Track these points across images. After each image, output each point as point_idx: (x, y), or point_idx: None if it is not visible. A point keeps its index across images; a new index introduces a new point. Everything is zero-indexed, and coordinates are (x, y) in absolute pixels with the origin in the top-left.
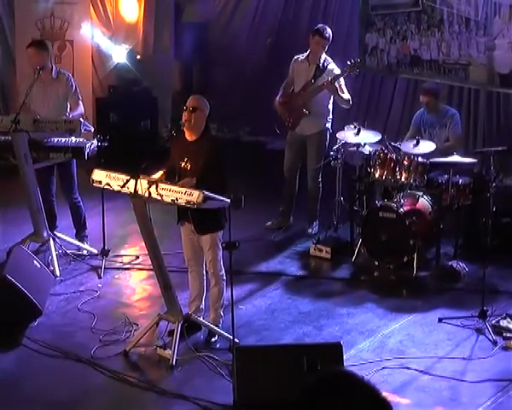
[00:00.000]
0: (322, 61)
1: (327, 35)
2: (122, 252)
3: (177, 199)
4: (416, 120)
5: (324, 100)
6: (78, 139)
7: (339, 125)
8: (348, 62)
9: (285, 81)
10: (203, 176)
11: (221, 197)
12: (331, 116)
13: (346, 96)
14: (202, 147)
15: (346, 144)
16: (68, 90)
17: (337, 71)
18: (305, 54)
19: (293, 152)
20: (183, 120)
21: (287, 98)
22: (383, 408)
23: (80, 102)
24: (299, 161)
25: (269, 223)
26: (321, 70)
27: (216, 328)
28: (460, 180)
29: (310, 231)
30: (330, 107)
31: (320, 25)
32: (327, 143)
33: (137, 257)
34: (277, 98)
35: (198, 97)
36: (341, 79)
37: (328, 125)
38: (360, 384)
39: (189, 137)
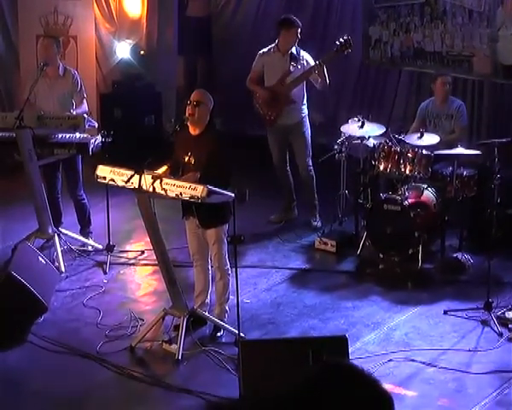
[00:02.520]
0: (294, 49)
1: (299, 23)
2: (127, 247)
3: (181, 194)
4: (421, 111)
5: (302, 87)
6: (82, 135)
7: (343, 118)
8: (337, 42)
9: (249, 77)
10: (207, 170)
11: (225, 192)
12: (305, 101)
13: (327, 79)
14: (206, 141)
15: (350, 137)
16: (74, 87)
17: (309, 57)
18: (272, 46)
19: (279, 143)
20: (187, 114)
21: (268, 92)
22: (384, 400)
23: (85, 100)
24: (286, 151)
25: (272, 217)
26: (296, 59)
27: (221, 322)
28: (464, 172)
29: (315, 223)
30: (305, 93)
31: (286, 16)
32: (309, 130)
33: (142, 252)
34: (258, 95)
35: (202, 91)
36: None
37: (306, 110)
38: (361, 376)
39: (192, 131)
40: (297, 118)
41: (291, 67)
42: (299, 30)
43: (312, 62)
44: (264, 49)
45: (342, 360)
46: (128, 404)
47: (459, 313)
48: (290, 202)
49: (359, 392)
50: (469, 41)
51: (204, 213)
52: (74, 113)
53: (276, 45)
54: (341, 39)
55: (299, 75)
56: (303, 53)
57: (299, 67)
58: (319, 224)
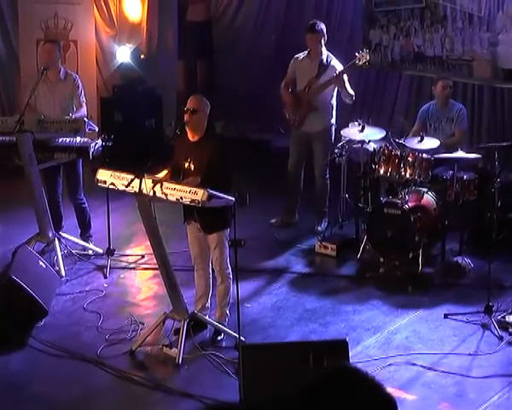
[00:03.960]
0: (324, 57)
1: (317, 29)
2: (127, 251)
3: (181, 198)
4: (422, 114)
5: (328, 96)
6: (82, 139)
7: (343, 123)
8: (357, 54)
9: (284, 81)
10: (208, 175)
11: (225, 196)
12: (335, 112)
13: (351, 90)
14: (205, 147)
15: (350, 141)
16: (74, 91)
17: (339, 66)
18: (306, 52)
19: (298, 150)
20: (185, 121)
21: (292, 97)
22: (387, 403)
23: (84, 104)
24: (304, 158)
25: (273, 220)
26: (324, 66)
27: (222, 326)
28: (465, 176)
29: (319, 228)
30: (334, 102)
31: (311, 21)
32: (332, 139)
33: (143, 256)
34: (284, 99)
35: (197, 98)
36: (345, 74)
37: (333, 120)
38: (363, 379)
39: (191, 137)
40: (320, 126)
41: (316, 76)
42: (320, 37)
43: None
44: (299, 55)
45: (345, 362)
46: (128, 408)
47: (459, 317)
48: (294, 206)
49: (362, 395)
50: (469, 45)
51: (206, 217)
52: (73, 117)
53: (308, 51)
54: (361, 51)
55: (321, 84)
56: (334, 62)
57: (326, 76)
58: (323, 228)
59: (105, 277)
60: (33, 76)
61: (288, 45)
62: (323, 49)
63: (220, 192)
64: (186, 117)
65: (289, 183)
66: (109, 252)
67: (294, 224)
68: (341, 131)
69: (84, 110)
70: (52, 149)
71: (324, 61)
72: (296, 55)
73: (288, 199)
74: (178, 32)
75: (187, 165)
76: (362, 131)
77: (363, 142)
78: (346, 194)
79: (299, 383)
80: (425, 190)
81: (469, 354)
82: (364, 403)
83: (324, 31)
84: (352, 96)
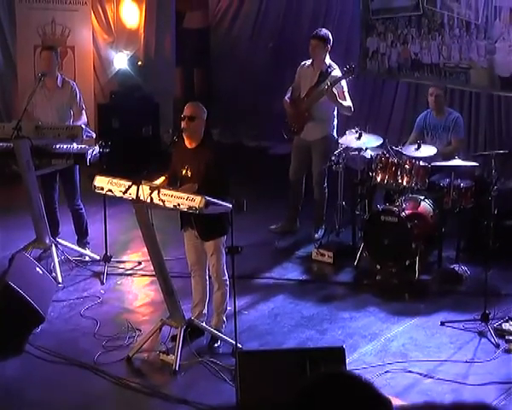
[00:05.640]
0: (326, 66)
1: (320, 34)
2: (124, 258)
3: (179, 205)
4: (419, 123)
5: (329, 106)
6: (79, 145)
7: (341, 130)
8: (345, 68)
9: (291, 87)
10: (204, 182)
11: (223, 202)
12: (336, 122)
13: (347, 103)
14: (202, 154)
15: (347, 149)
16: (72, 98)
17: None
18: (311, 59)
19: (299, 157)
20: (182, 127)
21: (292, 103)
22: (383, 404)
23: (84, 111)
24: (305, 166)
25: (273, 226)
26: (324, 76)
27: (218, 333)
28: (461, 183)
29: (316, 236)
30: (336, 113)
31: (318, 29)
32: (332, 150)
33: (140, 263)
34: (286, 98)
35: (194, 105)
36: (344, 86)
37: (334, 131)
38: (359, 382)
39: (188, 144)
40: (319, 135)
41: (315, 85)
42: (323, 44)
43: (343, 83)
44: (305, 61)
45: (339, 367)
46: None
47: (456, 325)
48: (294, 213)
49: (358, 397)
50: (466, 53)
51: (203, 224)
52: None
53: (313, 59)
54: (348, 66)
55: (316, 94)
56: (336, 73)
57: (324, 85)
58: (319, 236)
59: (102, 283)
60: (31, 82)
61: (285, 53)
62: (327, 57)
63: (217, 199)
64: (183, 124)
65: (291, 190)
66: (106, 258)
67: (295, 231)
68: (339, 139)
69: (84, 118)
70: (49, 156)
71: (325, 70)
72: (302, 62)
73: (289, 206)
74: (176, 39)
75: (184, 172)
76: (359, 138)
77: (360, 149)
78: (343, 201)
79: (294, 391)
80: (422, 197)
81: (466, 362)
82: (361, 405)
83: (329, 39)
84: (348, 108)
